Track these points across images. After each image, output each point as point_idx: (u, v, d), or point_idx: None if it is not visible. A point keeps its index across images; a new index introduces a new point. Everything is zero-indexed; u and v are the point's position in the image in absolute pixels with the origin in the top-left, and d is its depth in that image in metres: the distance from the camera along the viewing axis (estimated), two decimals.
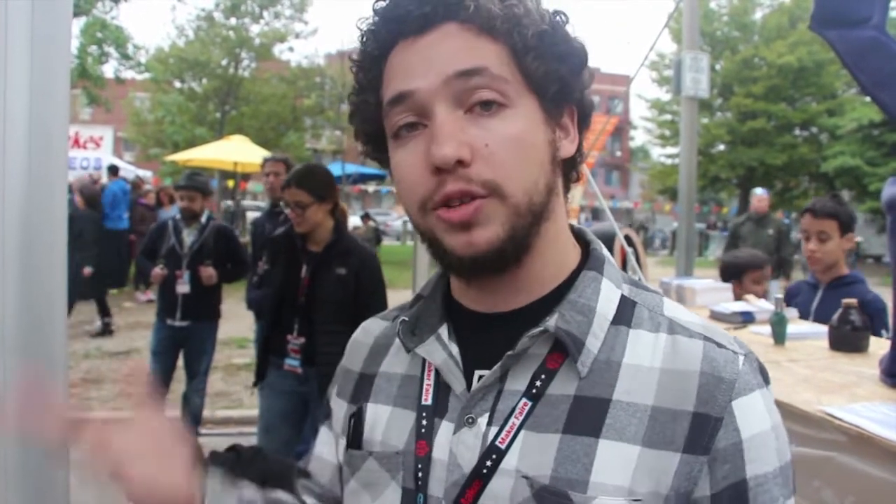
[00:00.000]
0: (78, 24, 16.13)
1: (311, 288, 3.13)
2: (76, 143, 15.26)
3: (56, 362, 1.30)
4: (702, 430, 0.67)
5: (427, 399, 0.79)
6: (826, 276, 2.93)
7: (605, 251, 0.81)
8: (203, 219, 4.84)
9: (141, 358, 7.00)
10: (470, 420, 0.73)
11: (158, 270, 4.70)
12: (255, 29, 23.14)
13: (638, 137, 50.98)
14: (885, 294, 2.81)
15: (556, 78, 0.73)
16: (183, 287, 4.67)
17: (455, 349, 0.78)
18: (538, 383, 0.72)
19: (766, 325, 2.39)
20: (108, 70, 17.58)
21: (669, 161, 29.91)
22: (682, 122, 9.35)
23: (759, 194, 7.89)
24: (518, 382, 0.73)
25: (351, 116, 0.81)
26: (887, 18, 1.66)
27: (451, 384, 0.77)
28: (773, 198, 27.81)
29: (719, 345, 0.72)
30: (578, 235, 0.83)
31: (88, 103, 17.63)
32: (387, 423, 0.82)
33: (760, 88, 24.73)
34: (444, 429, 0.75)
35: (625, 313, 0.75)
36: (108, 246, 11.88)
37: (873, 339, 2.21)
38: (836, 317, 2.21)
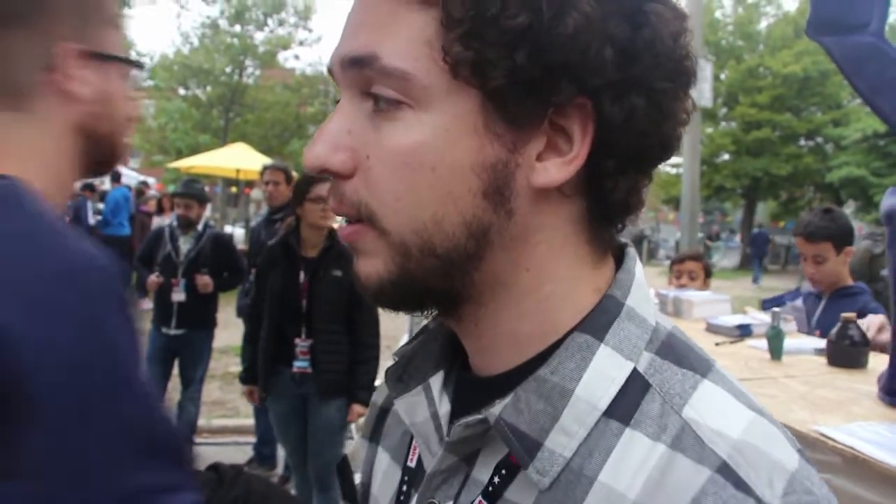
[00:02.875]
0: None
1: (310, 291, 3.33)
2: None
3: None
4: None
5: (412, 461, 0.63)
6: (830, 288, 2.89)
7: (636, 296, 0.54)
8: (200, 226, 4.83)
9: None
10: None
11: (154, 278, 4.69)
12: (259, 36, 23.20)
13: None
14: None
15: (532, 60, 0.46)
16: (178, 295, 4.65)
17: (445, 408, 0.58)
18: (496, 480, 0.53)
19: (763, 340, 2.34)
20: None
21: (674, 171, 29.85)
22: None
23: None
24: (483, 472, 0.55)
25: None
26: (886, 24, 1.62)
27: (423, 456, 0.59)
28: (778, 208, 27.81)
29: (739, 484, 0.44)
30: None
31: None
32: (382, 477, 0.68)
33: (765, 98, 24.71)
34: None
35: (627, 401, 0.50)
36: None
37: (872, 355, 2.15)
38: (834, 331, 2.16)
